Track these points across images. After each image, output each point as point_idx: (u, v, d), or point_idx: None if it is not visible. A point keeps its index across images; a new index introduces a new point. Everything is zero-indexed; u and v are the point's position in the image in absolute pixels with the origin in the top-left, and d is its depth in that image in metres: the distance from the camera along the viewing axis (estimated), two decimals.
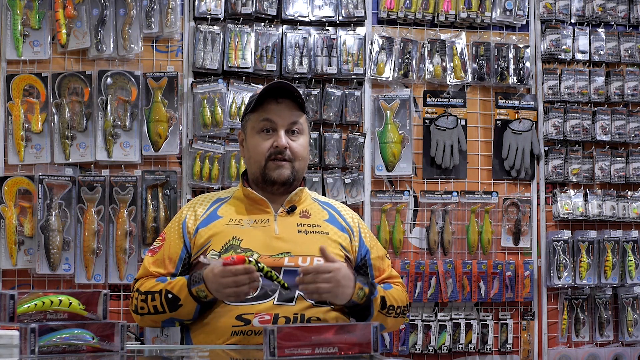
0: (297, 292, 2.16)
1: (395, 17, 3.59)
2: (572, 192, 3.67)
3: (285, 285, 2.08)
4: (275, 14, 3.46)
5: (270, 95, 2.31)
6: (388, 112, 3.54)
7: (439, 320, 3.52)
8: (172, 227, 2.35)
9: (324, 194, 3.34)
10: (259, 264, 2.04)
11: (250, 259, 2.04)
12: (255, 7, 3.42)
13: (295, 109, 2.32)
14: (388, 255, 2.48)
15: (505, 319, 3.59)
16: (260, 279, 2.05)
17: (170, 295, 2.16)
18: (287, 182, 2.31)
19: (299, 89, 2.36)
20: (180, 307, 2.16)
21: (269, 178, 2.30)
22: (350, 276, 2.14)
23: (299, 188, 2.35)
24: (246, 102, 3.29)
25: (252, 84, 3.41)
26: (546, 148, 3.68)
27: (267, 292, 2.14)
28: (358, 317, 2.25)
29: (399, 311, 2.33)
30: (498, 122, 3.67)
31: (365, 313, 2.22)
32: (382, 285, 2.34)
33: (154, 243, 2.37)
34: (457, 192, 3.57)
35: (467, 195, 3.57)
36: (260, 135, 2.31)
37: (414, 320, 3.49)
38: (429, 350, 3.50)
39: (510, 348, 3.58)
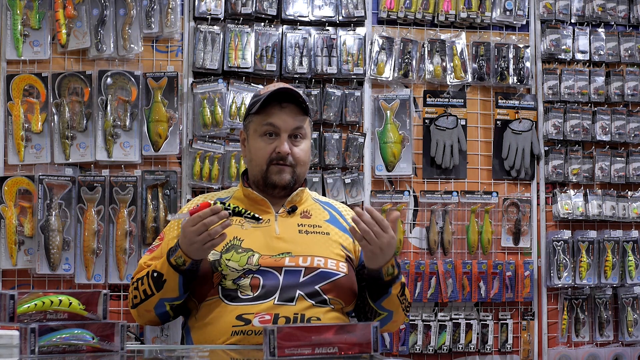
0: (298, 292, 2.16)
1: (395, 17, 3.59)
2: (572, 192, 3.67)
3: (256, 216, 2.10)
4: (275, 14, 3.46)
5: (274, 99, 2.30)
6: (388, 112, 3.54)
7: (439, 320, 3.52)
8: (172, 227, 2.34)
9: (324, 194, 3.34)
10: (224, 203, 2.04)
11: (215, 202, 2.04)
12: (255, 7, 3.42)
13: (299, 114, 2.31)
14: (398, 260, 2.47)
15: (505, 319, 3.59)
16: (230, 216, 2.05)
17: (155, 274, 2.15)
18: (288, 186, 2.31)
19: (299, 90, 2.36)
20: (164, 282, 2.14)
21: (270, 182, 2.30)
22: (394, 247, 2.13)
23: (300, 188, 2.35)
24: (247, 102, 3.32)
25: (252, 84, 3.41)
26: (546, 148, 3.68)
27: (268, 292, 2.14)
28: (373, 293, 2.22)
29: (407, 304, 2.32)
30: (498, 122, 3.67)
31: (382, 291, 2.19)
32: None
33: (153, 243, 2.37)
34: (457, 192, 3.57)
35: (467, 195, 3.57)
36: (263, 139, 2.30)
37: (414, 320, 3.49)
38: (429, 350, 3.50)
39: (510, 348, 3.58)
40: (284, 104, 2.30)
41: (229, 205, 2.06)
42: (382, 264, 2.14)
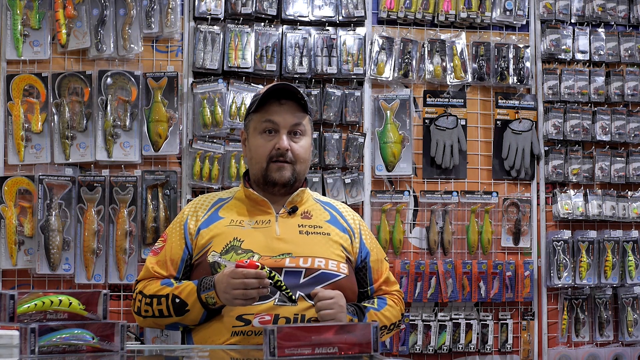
0: (298, 292, 2.16)
1: (395, 17, 3.59)
2: (572, 192, 3.67)
3: (293, 297, 2.10)
4: (275, 14, 3.46)
5: (273, 96, 2.30)
6: (388, 112, 3.54)
7: (439, 320, 3.52)
8: (174, 228, 2.34)
9: (324, 194, 3.34)
10: (270, 272, 2.05)
11: (263, 266, 2.05)
12: (255, 7, 3.42)
13: (298, 111, 2.31)
14: (387, 258, 2.48)
15: (505, 319, 3.59)
16: (270, 287, 2.06)
17: (177, 300, 2.16)
18: (288, 184, 2.31)
19: (299, 89, 2.36)
20: (187, 312, 2.16)
21: (270, 179, 2.30)
22: (344, 306, 2.16)
23: (300, 189, 2.35)
24: (247, 102, 3.32)
25: (252, 84, 3.41)
26: (546, 148, 3.68)
27: (268, 293, 2.14)
28: None
29: (392, 327, 2.35)
30: (498, 122, 3.67)
31: None
32: (376, 302, 2.33)
33: (156, 244, 2.37)
34: (457, 192, 3.57)
35: (467, 195, 3.57)
36: (262, 137, 2.31)
37: (414, 320, 3.49)
38: (429, 350, 3.50)
39: (510, 348, 3.58)
40: (282, 100, 2.30)
41: (273, 277, 2.06)
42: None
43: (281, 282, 2.07)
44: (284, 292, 2.08)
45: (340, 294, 2.16)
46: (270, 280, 2.05)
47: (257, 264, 2.04)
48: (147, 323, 2.27)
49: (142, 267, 2.36)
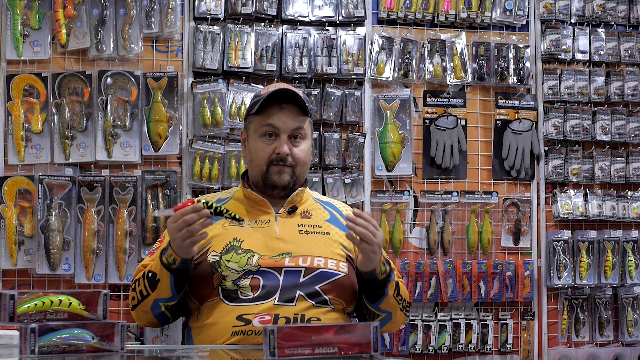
0: (298, 292, 2.16)
1: (395, 17, 3.59)
2: (572, 192, 3.67)
3: (237, 216, 2.11)
4: (275, 14, 3.46)
5: (274, 100, 2.30)
6: (388, 112, 3.54)
7: (439, 320, 3.52)
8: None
9: (323, 194, 3.34)
10: (206, 203, 2.06)
11: (199, 200, 2.06)
12: (255, 7, 3.42)
13: (299, 114, 2.31)
14: (388, 256, 2.47)
15: (505, 319, 3.59)
16: (212, 216, 2.07)
17: (150, 274, 2.17)
18: (288, 187, 2.31)
19: (298, 89, 2.36)
20: (158, 282, 2.15)
21: (270, 182, 2.30)
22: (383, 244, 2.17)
23: (300, 188, 2.35)
24: (247, 102, 3.32)
25: (252, 84, 3.41)
26: (546, 148, 3.68)
27: (268, 293, 2.14)
28: (371, 296, 2.23)
29: (405, 304, 2.32)
30: (498, 122, 3.67)
31: (379, 292, 2.21)
32: None
33: (154, 245, 2.37)
34: (457, 192, 3.57)
35: (467, 195, 3.57)
36: (263, 140, 2.30)
37: (414, 320, 3.49)
38: (429, 350, 3.50)
39: (510, 348, 3.58)
40: (283, 104, 2.29)
41: (210, 205, 2.07)
42: (377, 263, 2.15)
43: (220, 208, 2.08)
44: (227, 215, 2.10)
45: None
46: (210, 209, 2.05)
47: (192, 200, 2.06)
48: (141, 317, 2.26)
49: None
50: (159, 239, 2.37)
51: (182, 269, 2.13)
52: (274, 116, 2.29)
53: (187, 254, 2.11)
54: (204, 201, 2.06)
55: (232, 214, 2.11)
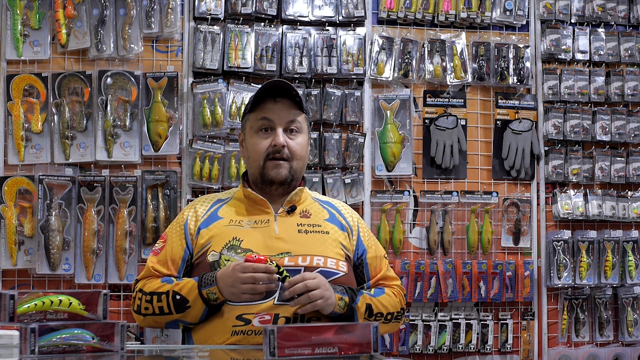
0: None
1: (395, 17, 3.59)
2: (572, 192, 3.67)
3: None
4: (275, 14, 3.46)
5: (268, 95, 2.31)
6: (388, 112, 3.54)
7: (439, 320, 3.52)
8: (174, 229, 2.34)
9: (324, 194, 3.34)
10: (279, 267, 2.05)
11: (272, 260, 2.06)
12: (255, 7, 3.42)
13: (293, 108, 2.32)
14: (387, 256, 2.47)
15: (505, 319, 3.59)
16: (279, 283, 2.06)
17: (178, 297, 2.16)
18: (285, 182, 2.31)
19: (298, 89, 2.37)
20: (188, 308, 2.15)
21: (267, 177, 2.30)
22: (329, 285, 2.14)
23: (299, 188, 2.35)
24: (246, 103, 3.32)
25: (252, 84, 3.41)
26: (546, 148, 3.68)
27: (268, 292, 2.14)
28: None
29: (389, 317, 2.30)
30: (498, 122, 3.67)
31: (350, 321, 2.20)
32: (373, 290, 2.32)
33: (156, 244, 2.37)
34: (457, 192, 3.57)
35: (467, 195, 3.57)
36: (259, 135, 2.31)
37: (414, 320, 3.49)
38: (429, 350, 3.50)
39: (510, 348, 3.58)
40: (277, 98, 2.31)
41: (282, 271, 2.06)
42: (333, 306, 2.13)
43: (289, 277, 2.07)
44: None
45: (322, 278, 2.13)
46: (279, 276, 2.05)
47: (266, 258, 2.05)
48: (147, 322, 2.26)
49: (142, 267, 2.36)
50: (161, 239, 2.36)
51: (220, 304, 2.14)
52: (268, 110, 2.30)
53: (234, 300, 2.11)
54: (275, 263, 2.05)
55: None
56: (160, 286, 2.21)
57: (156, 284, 2.22)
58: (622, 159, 3.75)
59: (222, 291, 2.10)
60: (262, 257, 2.05)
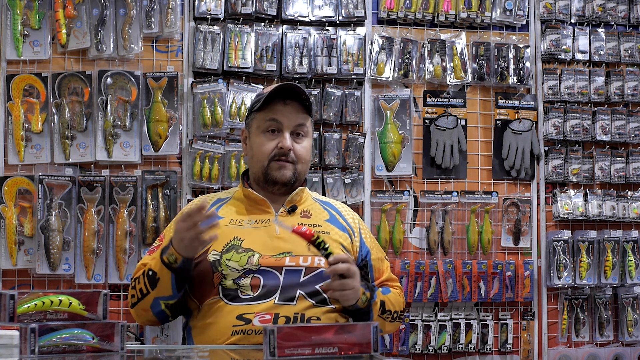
0: (298, 291, 2.16)
1: (395, 17, 3.59)
2: (572, 192, 3.67)
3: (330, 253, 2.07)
4: (275, 14, 3.46)
5: (277, 96, 2.31)
6: (388, 112, 3.54)
7: (439, 320, 3.52)
8: (171, 228, 2.34)
9: (324, 194, 3.35)
10: (324, 243, 2.03)
11: (319, 236, 2.04)
12: (255, 7, 3.42)
13: (301, 112, 2.32)
14: (387, 257, 2.48)
15: (505, 319, 3.59)
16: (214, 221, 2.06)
17: (150, 272, 2.17)
18: (289, 183, 2.31)
19: (304, 90, 2.36)
20: (158, 281, 2.15)
21: (271, 178, 2.30)
22: (359, 277, 2.15)
23: (299, 188, 2.35)
24: (247, 102, 3.33)
25: (252, 84, 3.41)
26: (546, 148, 3.68)
27: (268, 292, 2.15)
28: (356, 319, 2.24)
29: (395, 316, 2.34)
30: (498, 122, 3.67)
31: (365, 318, 2.22)
32: (381, 288, 2.34)
33: (153, 244, 2.38)
34: (457, 192, 3.57)
35: (467, 195, 3.57)
36: (265, 135, 2.31)
37: (414, 320, 3.49)
38: (429, 350, 3.50)
39: (510, 348, 3.58)
40: (287, 100, 2.31)
41: (327, 247, 2.04)
42: (359, 296, 2.15)
43: (333, 254, 2.05)
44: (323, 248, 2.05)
45: (355, 267, 2.14)
46: (324, 251, 2.03)
47: (313, 232, 2.02)
48: (140, 317, 2.26)
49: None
50: (159, 238, 2.37)
51: (184, 268, 2.13)
52: (277, 112, 2.30)
53: (191, 254, 2.11)
54: (321, 240, 2.04)
55: (328, 249, 2.07)
56: (139, 269, 2.24)
57: (138, 272, 2.23)
58: (622, 159, 3.75)
59: (177, 249, 2.10)
60: (311, 231, 2.03)
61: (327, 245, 2.05)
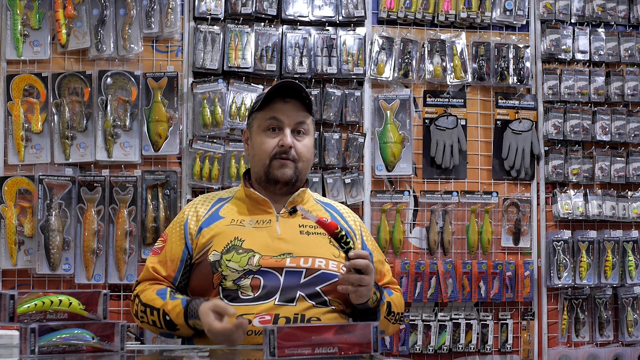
0: (298, 292, 2.16)
1: (395, 17, 3.59)
2: (572, 192, 3.67)
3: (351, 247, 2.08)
4: (275, 14, 3.46)
5: (278, 95, 2.31)
6: (388, 112, 3.54)
7: (439, 320, 3.52)
8: (174, 228, 2.34)
9: (324, 194, 3.35)
10: (346, 236, 2.05)
11: (341, 230, 2.06)
12: (255, 7, 3.42)
13: (302, 110, 2.32)
14: (386, 260, 2.48)
15: (505, 319, 3.59)
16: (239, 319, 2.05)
17: (167, 318, 2.17)
18: (290, 182, 2.31)
19: (304, 88, 2.36)
20: (177, 330, 2.19)
21: (272, 177, 2.30)
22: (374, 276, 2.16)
23: (301, 189, 2.35)
24: (247, 102, 3.33)
25: (252, 84, 3.41)
26: (546, 148, 3.68)
27: (268, 293, 2.14)
28: (362, 320, 2.24)
29: (398, 317, 2.35)
30: (498, 122, 3.67)
31: (371, 318, 2.22)
32: (385, 290, 2.34)
33: (156, 244, 2.37)
34: (457, 192, 3.57)
35: (467, 195, 3.57)
36: (266, 134, 2.31)
37: (414, 320, 3.49)
38: (429, 350, 3.50)
39: (510, 348, 3.58)
40: (287, 99, 2.31)
41: (348, 241, 2.06)
42: (370, 295, 2.15)
43: (353, 249, 2.07)
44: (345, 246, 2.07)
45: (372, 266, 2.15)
46: (345, 246, 2.05)
47: (336, 225, 2.04)
48: (145, 326, 2.28)
49: (142, 267, 2.36)
50: (161, 238, 2.36)
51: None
52: (277, 110, 2.30)
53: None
54: (344, 233, 2.06)
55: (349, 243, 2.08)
56: (154, 299, 2.21)
57: (151, 296, 2.22)
58: (622, 159, 3.75)
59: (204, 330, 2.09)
60: (335, 224, 2.04)
61: (348, 240, 2.06)
